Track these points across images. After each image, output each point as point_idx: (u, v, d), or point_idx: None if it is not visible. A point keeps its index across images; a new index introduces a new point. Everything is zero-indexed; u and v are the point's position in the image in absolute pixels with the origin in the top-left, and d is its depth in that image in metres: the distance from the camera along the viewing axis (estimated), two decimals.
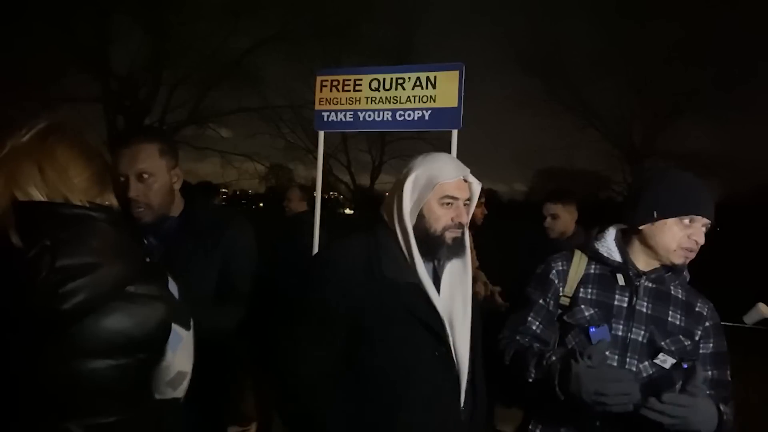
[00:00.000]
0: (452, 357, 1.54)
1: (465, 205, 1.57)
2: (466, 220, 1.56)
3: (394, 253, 1.53)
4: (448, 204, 1.53)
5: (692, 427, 1.41)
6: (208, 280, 1.83)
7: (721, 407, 1.49)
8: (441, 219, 1.53)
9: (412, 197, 1.53)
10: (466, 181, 1.56)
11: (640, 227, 1.64)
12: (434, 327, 1.51)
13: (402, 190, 1.53)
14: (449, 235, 1.53)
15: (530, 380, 1.58)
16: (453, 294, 1.57)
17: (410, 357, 1.49)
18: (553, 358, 1.55)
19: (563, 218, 3.37)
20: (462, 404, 1.55)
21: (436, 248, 1.54)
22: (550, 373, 1.52)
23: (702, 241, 1.58)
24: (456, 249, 1.56)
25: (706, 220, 1.59)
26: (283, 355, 1.55)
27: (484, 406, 1.66)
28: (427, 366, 1.50)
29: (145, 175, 1.74)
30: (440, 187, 1.52)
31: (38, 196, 1.08)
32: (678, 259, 1.60)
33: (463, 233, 1.56)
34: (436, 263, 1.58)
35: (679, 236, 1.58)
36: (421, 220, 1.53)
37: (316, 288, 1.52)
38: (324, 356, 1.49)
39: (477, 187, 1.59)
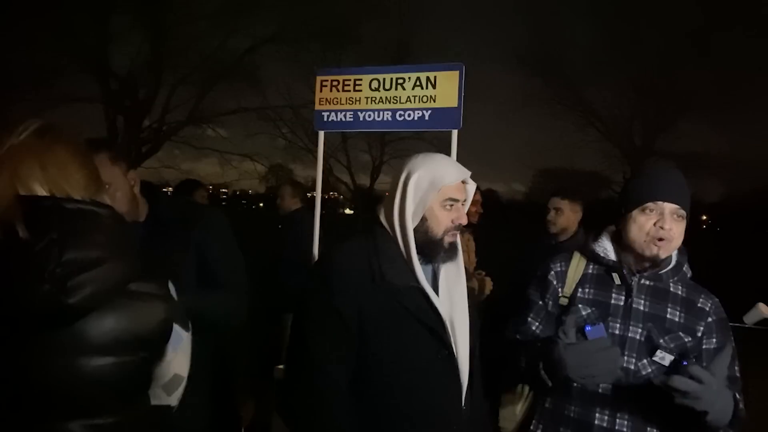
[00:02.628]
0: (454, 358, 1.54)
1: (464, 207, 1.58)
2: (465, 219, 1.57)
3: (394, 257, 1.52)
4: (450, 206, 1.53)
5: (703, 407, 1.38)
6: (187, 279, 1.79)
7: (737, 396, 1.48)
8: (442, 222, 1.53)
9: (415, 200, 1.52)
10: (463, 182, 1.57)
11: (620, 228, 1.66)
12: (437, 330, 1.51)
13: (405, 192, 1.52)
14: (447, 239, 1.54)
15: (522, 369, 1.62)
16: (452, 295, 1.57)
17: (414, 360, 1.49)
18: (539, 344, 1.59)
19: (567, 214, 3.43)
20: (463, 405, 1.55)
21: (434, 252, 1.53)
22: (536, 359, 1.55)
23: (669, 227, 1.56)
24: (452, 252, 1.57)
25: (672, 206, 1.57)
26: (295, 365, 1.54)
27: (482, 405, 1.66)
28: (431, 369, 1.50)
29: (106, 186, 1.71)
30: (443, 191, 1.51)
31: (41, 191, 1.08)
32: (650, 250, 1.58)
33: (455, 240, 1.58)
34: (434, 265, 1.58)
35: (646, 226, 1.58)
36: (422, 223, 1.52)
37: (321, 297, 1.50)
38: (335, 364, 1.48)
39: (471, 188, 1.60)
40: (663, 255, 1.59)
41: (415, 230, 1.52)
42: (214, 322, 1.74)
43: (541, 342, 1.60)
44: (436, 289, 1.56)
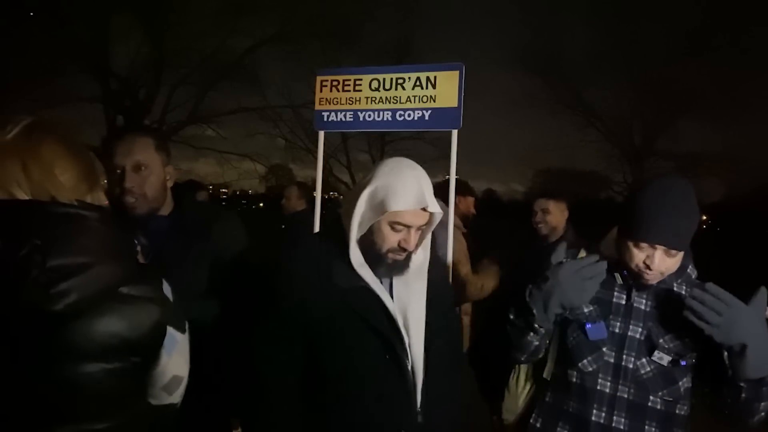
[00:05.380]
0: (405, 359, 1.51)
1: (420, 229, 1.52)
2: (412, 246, 1.51)
3: (342, 258, 1.50)
4: (398, 229, 1.48)
5: (733, 338, 1.38)
6: (202, 278, 1.83)
7: None
8: (387, 240, 1.49)
9: (364, 211, 1.48)
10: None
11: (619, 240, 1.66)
12: (384, 331, 1.49)
13: (357, 200, 1.48)
14: (391, 256, 1.50)
15: (511, 317, 1.64)
16: (408, 293, 1.55)
17: (362, 362, 1.48)
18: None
19: (554, 214, 3.46)
20: (418, 405, 1.53)
21: (376, 264, 1.51)
22: (523, 294, 1.60)
23: (657, 266, 1.53)
24: (395, 269, 1.52)
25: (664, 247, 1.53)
26: (248, 360, 1.55)
27: (449, 403, 1.62)
28: (380, 370, 1.49)
29: (142, 167, 1.75)
30: (392, 214, 1.46)
31: (22, 195, 1.04)
32: (640, 278, 1.58)
33: (408, 256, 1.53)
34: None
35: (635, 259, 1.56)
36: (369, 233, 1.50)
37: (269, 301, 1.52)
38: (285, 361, 1.50)
39: (438, 216, 1.52)
40: (652, 283, 1.59)
41: (363, 237, 1.51)
42: (207, 326, 1.75)
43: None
44: (392, 289, 1.55)
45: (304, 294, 1.48)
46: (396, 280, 1.56)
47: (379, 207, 1.45)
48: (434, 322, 1.57)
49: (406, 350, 1.51)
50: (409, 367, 1.52)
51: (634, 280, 1.62)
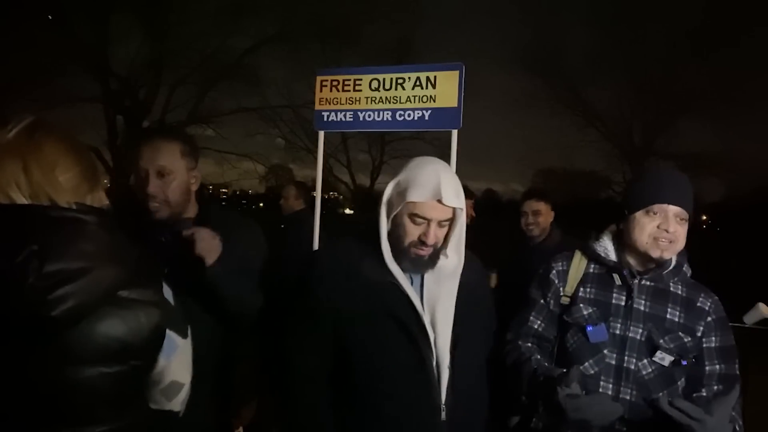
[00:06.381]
0: (431, 353, 1.52)
1: (443, 225, 1.51)
2: (434, 241, 1.50)
3: (373, 253, 1.53)
4: (418, 222, 1.49)
5: None
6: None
7: (737, 428, 1.47)
8: (408, 234, 1.50)
9: (389, 201, 1.53)
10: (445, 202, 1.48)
11: (622, 228, 1.67)
12: (411, 326, 1.50)
13: (384, 193, 1.54)
14: (413, 251, 1.51)
15: (523, 394, 1.63)
16: (439, 290, 1.56)
17: (388, 357, 1.50)
18: (541, 378, 1.56)
19: (545, 215, 3.44)
20: (443, 401, 1.53)
21: (401, 259, 1.52)
22: (537, 394, 1.55)
23: (673, 229, 1.56)
24: (419, 265, 1.52)
25: (675, 209, 1.57)
26: (279, 356, 1.60)
27: (476, 401, 1.64)
28: (403, 360, 1.51)
29: (166, 173, 1.76)
30: (410, 205, 1.48)
31: (19, 196, 1.03)
32: (654, 252, 1.58)
33: (435, 251, 1.52)
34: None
35: (648, 228, 1.58)
36: (394, 227, 1.52)
37: (304, 291, 1.56)
38: (315, 358, 1.55)
39: (460, 212, 1.52)
40: (667, 256, 1.60)
41: (391, 233, 1.53)
42: (242, 309, 1.79)
43: (543, 380, 1.56)
44: (422, 285, 1.56)
45: (334, 286, 1.51)
46: (427, 278, 1.57)
47: (400, 198, 1.49)
48: (464, 323, 1.58)
49: (431, 347, 1.53)
50: (434, 364, 1.53)
51: (645, 260, 1.62)
